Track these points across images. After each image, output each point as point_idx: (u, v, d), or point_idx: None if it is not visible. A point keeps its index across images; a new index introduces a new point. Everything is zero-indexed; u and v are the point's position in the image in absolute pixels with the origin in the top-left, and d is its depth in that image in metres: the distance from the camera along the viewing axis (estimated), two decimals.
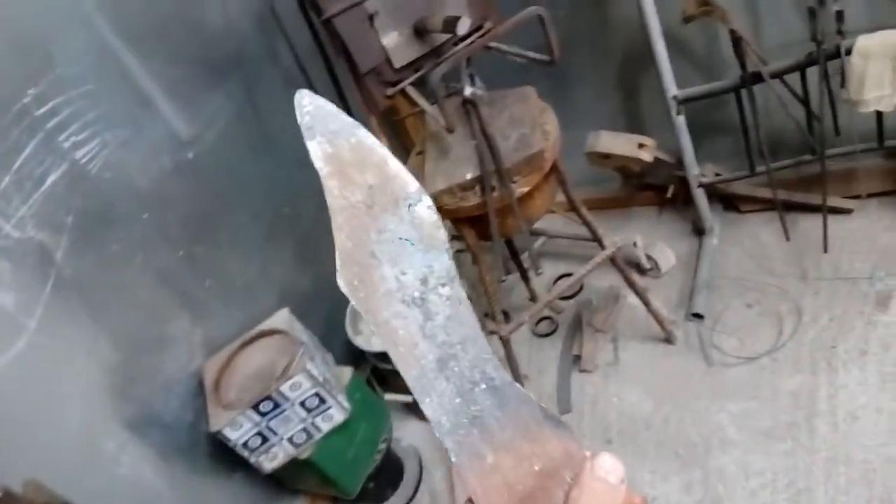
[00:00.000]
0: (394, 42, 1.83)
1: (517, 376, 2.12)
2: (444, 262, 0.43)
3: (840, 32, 1.92)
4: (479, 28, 1.93)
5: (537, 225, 2.78)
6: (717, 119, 2.53)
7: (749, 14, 2.32)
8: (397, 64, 1.86)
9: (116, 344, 1.80)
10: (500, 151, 1.69)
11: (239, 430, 1.82)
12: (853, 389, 2.03)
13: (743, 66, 2.06)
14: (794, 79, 2.08)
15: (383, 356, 2.20)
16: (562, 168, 1.91)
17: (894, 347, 2.07)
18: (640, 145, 2.41)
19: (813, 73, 2.02)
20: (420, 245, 0.43)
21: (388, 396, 2.29)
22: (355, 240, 0.42)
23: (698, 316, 2.39)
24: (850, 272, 2.29)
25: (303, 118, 0.42)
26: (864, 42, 1.92)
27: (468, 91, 1.80)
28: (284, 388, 1.83)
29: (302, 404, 1.87)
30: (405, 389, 1.93)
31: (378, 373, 2.41)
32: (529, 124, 1.78)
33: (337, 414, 1.94)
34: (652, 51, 2.15)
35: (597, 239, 2.10)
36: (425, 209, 0.43)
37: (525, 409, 0.44)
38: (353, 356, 2.43)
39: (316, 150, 0.42)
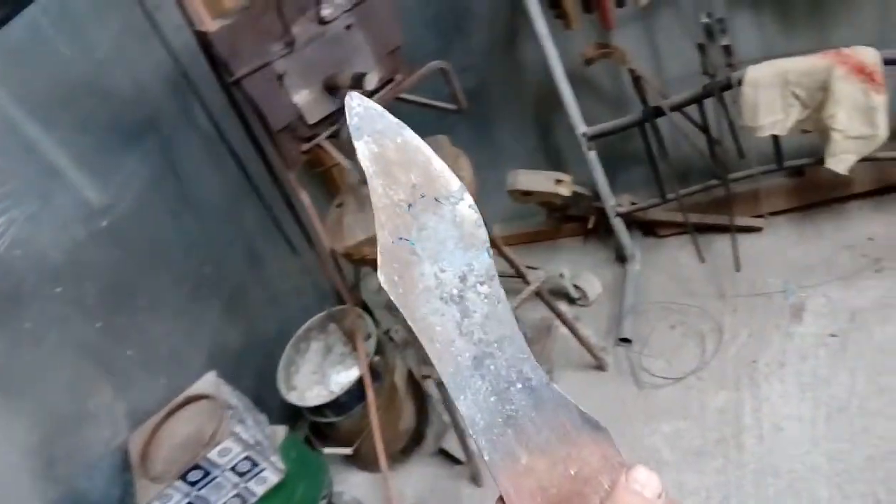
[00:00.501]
0: (305, 99, 1.86)
1: (455, 420, 2.12)
2: (483, 261, 0.43)
3: (730, 65, 2.05)
4: (390, 81, 1.98)
5: None
6: (630, 151, 2.64)
7: (651, 50, 2.45)
8: (311, 120, 1.88)
9: (34, 425, 1.73)
10: None
11: (169, 503, 1.76)
12: (775, 401, 2.12)
13: (644, 101, 2.17)
14: (695, 109, 2.21)
15: (319, 410, 2.18)
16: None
17: (811, 357, 2.17)
18: (558, 181, 2.49)
19: (713, 102, 2.15)
20: (460, 243, 0.43)
21: (328, 451, 2.26)
22: (396, 237, 0.43)
23: (626, 340, 2.46)
24: (764, 288, 2.40)
25: (352, 119, 0.42)
26: (753, 73, 2.05)
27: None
28: (212, 454, 1.78)
29: (233, 469, 1.83)
30: (344, 442, 1.93)
31: (316, 428, 2.38)
32: None
33: (271, 476, 1.90)
34: (558, 92, 2.24)
35: (520, 275, 2.14)
36: (466, 208, 0.44)
37: (562, 412, 0.44)
38: (291, 413, 2.39)
39: (363, 149, 0.42)
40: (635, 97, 2.23)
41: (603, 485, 0.43)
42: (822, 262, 2.38)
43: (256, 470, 1.88)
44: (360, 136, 0.43)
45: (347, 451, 2.20)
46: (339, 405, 2.17)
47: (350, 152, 1.82)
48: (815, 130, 2.08)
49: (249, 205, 2.47)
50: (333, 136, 1.92)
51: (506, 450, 0.43)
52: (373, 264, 1.78)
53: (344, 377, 2.22)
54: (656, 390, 2.30)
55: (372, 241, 1.75)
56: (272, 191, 2.34)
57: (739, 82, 2.05)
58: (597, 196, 2.57)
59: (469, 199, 0.44)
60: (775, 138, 2.16)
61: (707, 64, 2.00)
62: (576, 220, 2.91)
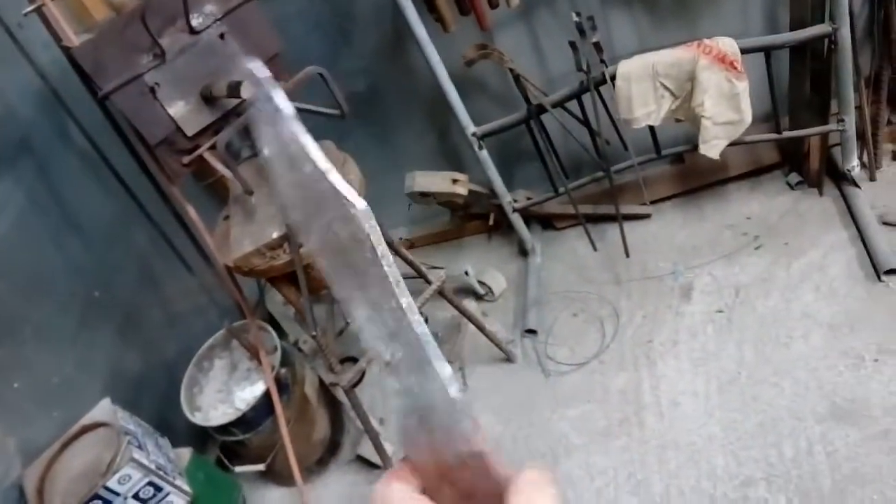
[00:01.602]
0: (181, 111, 1.82)
1: (367, 425, 2.11)
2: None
3: (602, 61, 2.14)
4: None
5: None
6: (524, 148, 2.70)
7: (533, 49, 2.53)
8: (189, 132, 1.84)
9: None
10: None
11: None
12: (671, 378, 2.21)
13: (527, 99, 2.24)
14: (576, 105, 2.29)
15: (226, 429, 2.13)
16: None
17: (700, 334, 2.29)
18: (454, 181, 2.53)
19: (591, 97, 2.23)
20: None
21: (240, 469, 2.21)
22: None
23: (532, 331, 2.52)
24: (655, 271, 2.51)
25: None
26: (624, 67, 2.14)
27: (266, 151, 1.81)
28: (112, 483, 1.72)
29: (136, 497, 1.77)
30: (256, 459, 1.88)
31: (228, 447, 2.32)
32: None
33: (177, 500, 1.85)
34: (445, 94, 2.27)
35: (421, 275, 2.16)
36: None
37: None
38: (200, 434, 2.33)
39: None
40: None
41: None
42: (706, 242, 2.52)
43: (161, 495, 1.82)
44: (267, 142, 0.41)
45: (260, 467, 2.16)
46: (247, 422, 2.12)
47: (232, 162, 1.80)
48: (687, 119, 2.20)
49: (138, 224, 2.39)
50: (214, 147, 1.88)
51: (408, 434, 0.43)
52: (262, 275, 1.76)
53: (249, 393, 2.18)
54: (562, 377, 2.37)
55: (259, 251, 1.73)
56: (161, 208, 2.27)
57: (612, 77, 2.14)
58: (494, 193, 2.63)
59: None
60: (651, 128, 2.26)
61: (580, 61, 2.08)
62: (479, 218, 2.96)
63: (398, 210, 2.85)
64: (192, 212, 1.99)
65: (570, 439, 2.21)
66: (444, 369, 0.42)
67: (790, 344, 2.13)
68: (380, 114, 2.81)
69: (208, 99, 1.87)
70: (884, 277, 2.14)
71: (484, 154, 2.44)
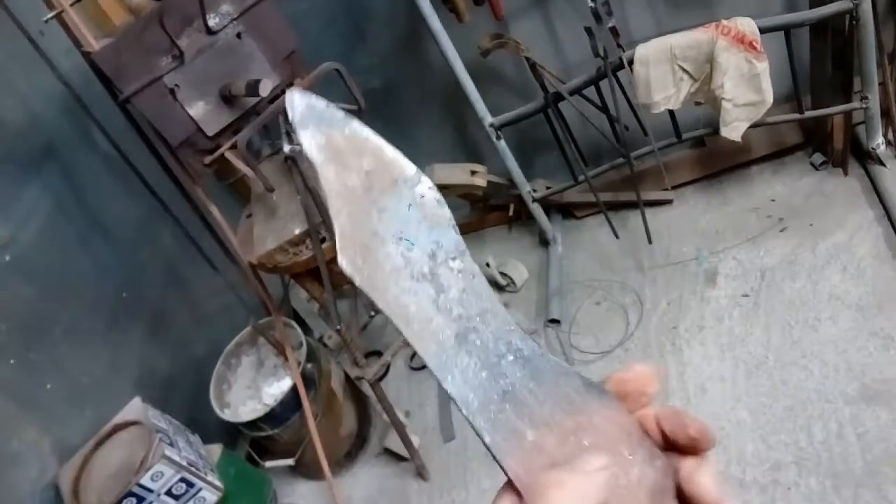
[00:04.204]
0: (202, 111, 1.84)
1: (393, 418, 2.13)
2: (451, 238, 0.41)
3: (619, 46, 2.12)
4: (290, 85, 1.98)
5: None
6: (542, 137, 2.69)
7: (549, 37, 2.51)
8: (210, 132, 1.86)
9: None
10: (324, 203, 1.72)
11: None
12: (698, 364, 2.20)
13: (544, 88, 2.23)
14: (594, 92, 2.27)
15: (255, 425, 2.15)
16: None
17: (727, 318, 2.27)
18: (473, 172, 2.53)
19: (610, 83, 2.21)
20: (424, 222, 0.41)
21: (270, 464, 2.24)
22: (355, 221, 0.40)
23: (555, 321, 2.51)
24: (678, 257, 2.49)
25: (293, 114, 0.40)
26: (641, 51, 2.12)
27: (287, 148, 1.83)
28: (145, 480, 1.75)
29: (168, 493, 1.80)
30: (285, 454, 1.91)
31: (257, 442, 2.35)
32: None
33: (209, 495, 1.88)
34: (461, 85, 2.27)
35: None
36: (426, 189, 0.42)
37: (563, 380, 0.40)
38: (230, 431, 2.36)
39: (309, 140, 0.40)
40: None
41: (624, 454, 0.39)
42: (730, 226, 2.49)
43: (193, 491, 1.85)
44: (305, 126, 0.40)
45: (289, 462, 2.18)
46: (275, 417, 2.15)
47: (252, 161, 1.82)
48: (707, 102, 2.17)
49: (163, 225, 2.43)
50: (235, 146, 1.90)
51: (508, 428, 0.39)
52: (286, 271, 1.78)
53: (277, 389, 2.20)
54: (586, 366, 2.36)
55: (282, 248, 1.75)
56: (185, 208, 2.30)
57: (630, 62, 2.12)
58: (513, 184, 2.62)
59: (427, 181, 0.42)
60: (671, 113, 2.24)
61: (597, 46, 2.06)
62: (498, 209, 2.96)
63: None
64: (215, 211, 2.01)
65: None
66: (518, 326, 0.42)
67: (818, 326, 2.10)
68: (396, 109, 2.82)
69: (227, 98, 1.89)
70: None
71: (502, 144, 2.43)
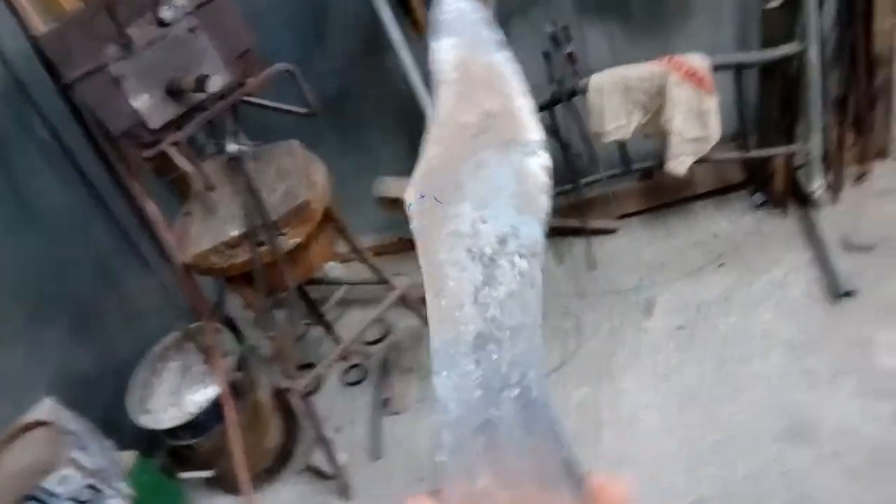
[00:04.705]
0: (146, 104, 1.77)
1: (319, 433, 2.07)
2: (533, 231, 0.37)
3: (575, 73, 2.14)
4: (241, 85, 1.93)
5: (338, 274, 2.79)
6: None
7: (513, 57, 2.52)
8: (153, 125, 1.79)
9: None
10: (265, 205, 1.67)
11: None
12: (632, 393, 2.21)
13: None
14: (547, 117, 2.29)
15: (176, 433, 2.06)
16: (337, 216, 1.93)
17: (663, 349, 2.29)
18: None
19: (564, 109, 2.24)
20: (515, 200, 0.36)
21: (186, 475, 2.14)
22: (446, 161, 0.35)
23: None
24: (620, 286, 2.51)
25: (444, 14, 0.36)
26: (597, 80, 2.15)
27: (232, 147, 1.77)
28: (50, 483, 1.65)
29: (73, 499, 1.70)
30: (205, 465, 1.81)
31: (177, 452, 2.25)
32: (296, 176, 1.79)
33: (117, 503, 1.78)
34: (417, 98, 2.26)
35: (384, 281, 2.13)
36: (538, 165, 0.37)
37: (551, 448, 0.35)
38: (149, 438, 2.25)
39: (447, 49, 0.35)
40: None
41: None
42: (672, 259, 2.53)
43: (100, 498, 1.75)
44: (450, 34, 0.36)
45: (207, 473, 2.09)
46: (196, 426, 2.06)
47: (194, 157, 1.76)
48: (656, 134, 2.21)
49: (97, 218, 2.32)
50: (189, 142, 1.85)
51: (467, 460, 0.34)
52: (220, 274, 1.72)
53: (201, 396, 2.12)
54: None
55: (217, 249, 1.69)
56: (121, 203, 2.21)
57: (584, 89, 2.14)
58: None
59: (545, 159, 0.37)
60: (621, 143, 2.27)
61: (553, 71, 2.08)
62: None
63: (366, 216, 2.82)
64: (152, 207, 1.94)
65: None
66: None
67: (750, 362, 2.14)
68: (352, 116, 2.79)
69: (174, 93, 1.82)
70: (841, 299, 2.17)
71: None
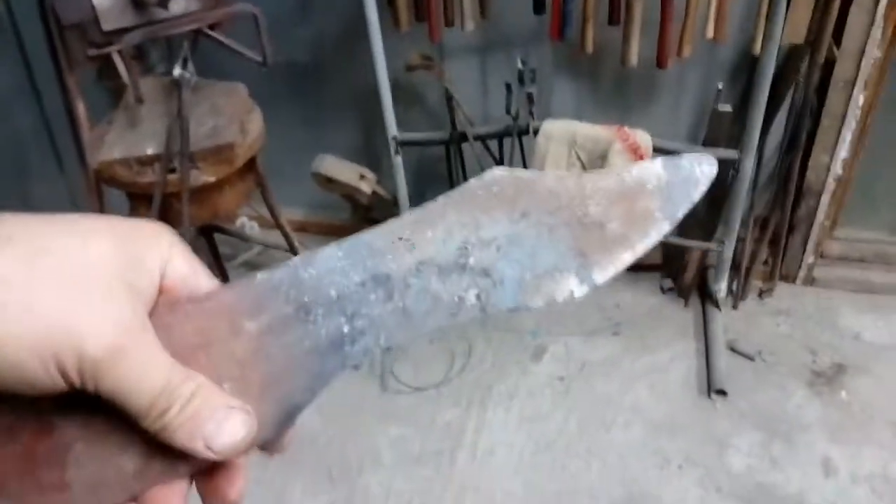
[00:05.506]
0: (106, 4, 1.76)
1: None
2: (503, 299, 0.38)
3: (531, 113, 2.21)
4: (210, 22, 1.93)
5: (255, 235, 2.77)
6: (440, 173, 2.74)
7: (480, 83, 2.59)
8: (106, 27, 1.78)
9: None
10: (188, 134, 1.67)
11: None
12: (496, 427, 2.25)
13: (453, 124, 2.28)
14: (495, 145, 2.35)
15: None
16: (262, 171, 1.94)
17: (538, 395, 2.34)
18: (362, 176, 2.53)
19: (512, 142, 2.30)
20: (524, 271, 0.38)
21: None
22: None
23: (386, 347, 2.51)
24: (518, 326, 2.57)
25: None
26: (548, 126, 2.22)
27: (177, 72, 1.77)
28: None
29: None
30: None
31: None
32: (230, 117, 1.79)
33: None
34: (378, 89, 2.29)
35: (292, 250, 2.14)
36: (574, 288, 0.39)
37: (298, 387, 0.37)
38: None
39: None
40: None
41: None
42: (573, 314, 2.60)
43: None
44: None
45: None
46: None
47: (134, 67, 1.75)
48: None
49: (26, 106, 2.26)
50: (138, 56, 1.83)
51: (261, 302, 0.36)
52: (123, 188, 1.69)
53: None
54: (397, 395, 2.37)
55: (127, 162, 1.67)
56: (55, 98, 2.16)
57: (536, 131, 2.21)
58: (397, 204, 2.64)
59: (582, 292, 0.39)
60: None
61: (511, 105, 2.14)
62: (377, 223, 2.95)
63: (303, 191, 2.82)
64: (81, 107, 1.92)
65: (382, 456, 2.20)
66: None
67: (612, 428, 2.21)
68: (316, 91, 2.80)
69: (138, 4, 1.82)
70: (713, 395, 2.27)
71: (398, 161, 2.45)
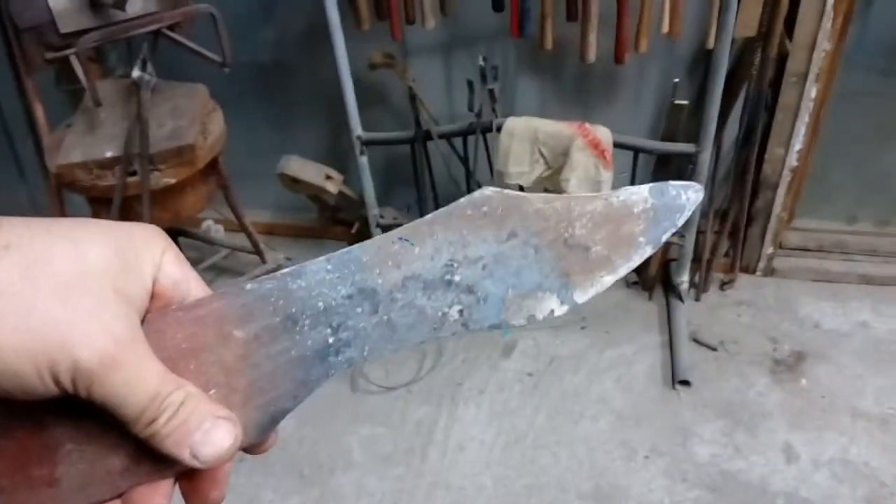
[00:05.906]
0: (62, 5, 1.75)
1: None
2: (486, 315, 0.40)
3: (494, 110, 2.24)
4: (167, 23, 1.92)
5: (220, 238, 2.75)
6: (406, 173, 2.75)
7: (445, 81, 2.61)
8: (63, 29, 1.77)
9: None
10: (148, 137, 1.66)
11: None
12: (466, 423, 2.27)
13: (417, 121, 2.30)
14: (461, 142, 2.37)
15: None
16: (225, 172, 1.93)
17: (507, 390, 2.37)
18: (328, 177, 2.53)
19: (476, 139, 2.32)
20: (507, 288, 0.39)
21: None
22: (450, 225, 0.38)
23: None
24: None
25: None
26: (510, 123, 2.24)
27: (135, 73, 1.76)
28: None
29: None
30: None
31: None
32: (190, 119, 1.78)
33: None
34: (342, 89, 2.30)
35: (258, 253, 2.13)
36: (555, 307, 0.40)
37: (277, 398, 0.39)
38: None
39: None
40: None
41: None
42: None
43: None
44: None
45: None
46: None
47: (92, 69, 1.74)
48: (553, 190, 2.32)
49: None
50: (99, 59, 1.82)
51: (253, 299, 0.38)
52: (82, 192, 1.68)
53: None
54: (368, 395, 2.38)
55: (86, 166, 1.66)
56: (13, 101, 2.13)
57: (499, 128, 2.23)
58: (364, 204, 2.64)
59: (563, 311, 0.41)
60: (521, 187, 2.37)
61: (473, 102, 2.16)
62: (344, 224, 2.96)
63: (269, 193, 2.81)
64: (39, 110, 1.89)
65: (353, 456, 2.20)
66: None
67: (580, 421, 2.24)
68: (280, 93, 2.79)
69: (95, 5, 1.80)
70: (677, 386, 2.31)
71: (363, 160, 2.46)
